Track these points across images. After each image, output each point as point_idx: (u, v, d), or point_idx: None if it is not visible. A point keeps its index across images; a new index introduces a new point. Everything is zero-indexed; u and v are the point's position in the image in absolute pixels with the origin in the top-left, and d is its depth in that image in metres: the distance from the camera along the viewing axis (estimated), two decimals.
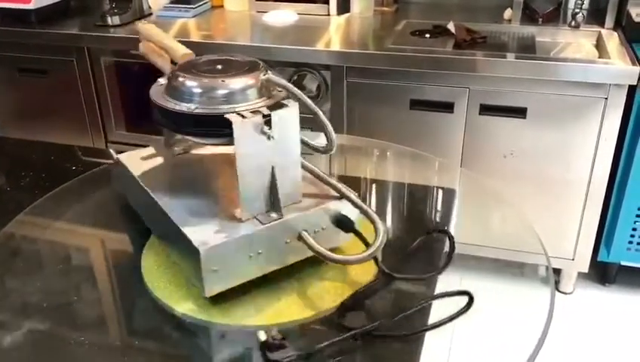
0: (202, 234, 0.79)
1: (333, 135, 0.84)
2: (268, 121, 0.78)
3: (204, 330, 0.81)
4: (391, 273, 0.86)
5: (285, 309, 0.82)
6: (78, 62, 2.32)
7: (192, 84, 0.84)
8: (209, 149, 1.01)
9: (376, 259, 0.84)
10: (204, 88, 0.83)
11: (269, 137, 0.78)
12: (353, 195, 0.85)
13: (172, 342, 0.83)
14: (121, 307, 0.89)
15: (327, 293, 0.85)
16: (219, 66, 0.89)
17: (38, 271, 0.96)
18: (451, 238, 0.96)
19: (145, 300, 0.86)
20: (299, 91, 0.82)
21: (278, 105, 0.81)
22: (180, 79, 0.86)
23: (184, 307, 0.83)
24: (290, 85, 0.83)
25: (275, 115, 0.79)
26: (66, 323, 0.84)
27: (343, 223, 0.86)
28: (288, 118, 0.80)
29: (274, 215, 0.83)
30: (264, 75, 0.85)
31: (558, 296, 2.17)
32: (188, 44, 2.33)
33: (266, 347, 0.72)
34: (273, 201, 0.83)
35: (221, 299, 0.83)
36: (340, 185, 0.87)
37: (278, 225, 0.82)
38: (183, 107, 0.83)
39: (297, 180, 0.85)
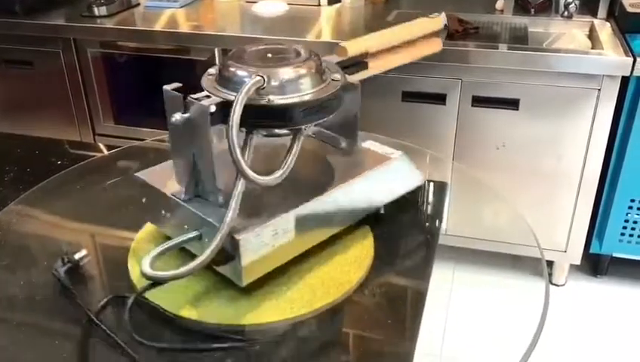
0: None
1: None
2: None
3: (194, 329, 0.79)
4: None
5: (276, 307, 0.81)
6: (65, 53, 2.28)
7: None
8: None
9: None
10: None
11: None
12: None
13: (161, 341, 0.81)
14: (108, 303, 0.87)
15: (319, 291, 0.83)
16: (269, 55, 0.86)
17: (24, 265, 0.94)
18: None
19: (132, 295, 0.84)
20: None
21: None
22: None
23: (172, 305, 0.81)
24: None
25: None
26: (51, 317, 0.83)
27: None
28: None
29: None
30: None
31: (551, 288, 2.16)
32: (177, 36, 2.31)
33: None
34: None
35: (212, 298, 0.82)
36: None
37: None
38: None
39: None
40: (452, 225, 1.11)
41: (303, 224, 0.84)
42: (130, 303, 0.78)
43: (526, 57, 1.85)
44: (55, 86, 2.34)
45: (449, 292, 0.84)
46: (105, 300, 0.83)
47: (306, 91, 0.81)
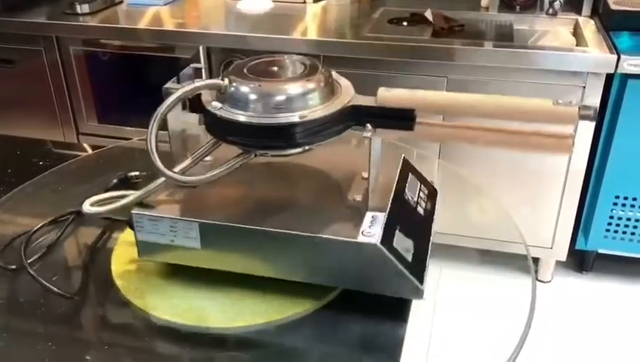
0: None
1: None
2: None
3: (177, 333, 0.78)
4: None
5: (262, 310, 0.80)
6: (47, 51, 2.25)
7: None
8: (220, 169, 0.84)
9: None
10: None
11: None
12: None
13: (142, 344, 0.80)
14: (90, 306, 0.86)
15: (305, 292, 0.82)
16: (273, 68, 0.83)
17: (4, 270, 0.92)
18: None
19: (114, 301, 0.83)
20: None
21: None
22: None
23: (156, 309, 0.80)
24: None
25: None
26: (33, 320, 0.81)
27: None
28: None
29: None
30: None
31: (537, 285, 2.17)
32: (161, 33, 2.29)
33: None
34: None
35: (196, 302, 0.81)
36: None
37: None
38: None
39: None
40: (438, 222, 1.11)
41: (219, 243, 0.80)
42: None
43: (511, 55, 1.85)
44: (37, 85, 2.31)
45: (435, 290, 0.83)
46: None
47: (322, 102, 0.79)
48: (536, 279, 2.19)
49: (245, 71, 0.80)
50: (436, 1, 2.29)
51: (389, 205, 0.80)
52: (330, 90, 0.81)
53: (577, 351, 1.92)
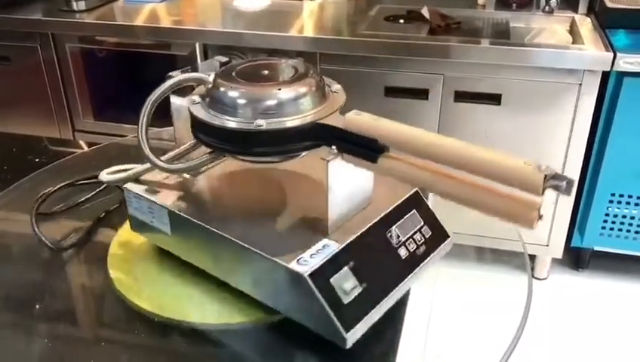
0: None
1: None
2: None
3: (174, 329, 0.78)
4: None
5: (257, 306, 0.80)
6: (43, 48, 2.24)
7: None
8: (226, 165, 0.87)
9: None
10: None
11: None
12: None
13: (138, 339, 0.80)
14: (87, 302, 0.86)
15: None
16: (265, 72, 0.80)
17: (2, 265, 0.92)
18: None
19: (111, 296, 0.83)
20: None
21: None
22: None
23: (151, 304, 0.80)
24: None
25: None
26: (30, 317, 0.81)
27: None
28: None
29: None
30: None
31: (533, 282, 2.17)
32: (157, 31, 2.29)
33: None
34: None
35: (192, 297, 0.81)
36: None
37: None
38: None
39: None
40: None
41: (184, 234, 0.82)
42: None
43: (508, 52, 1.85)
44: (33, 82, 2.30)
45: (432, 287, 0.84)
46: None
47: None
48: (532, 276, 2.19)
49: (234, 71, 0.79)
50: None
51: (351, 238, 0.74)
52: (311, 100, 0.75)
53: (573, 348, 1.92)
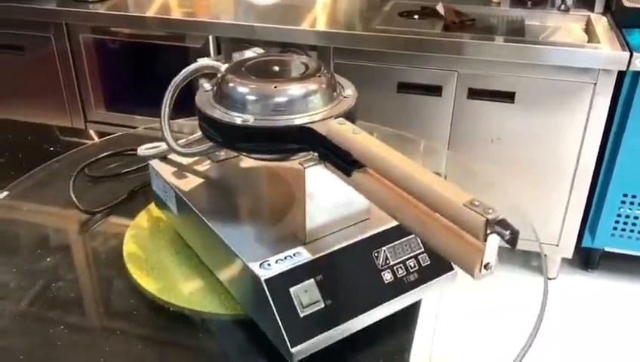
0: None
1: None
2: None
3: (188, 318, 0.78)
4: None
5: None
6: (56, 38, 2.25)
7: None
8: (244, 160, 0.89)
9: None
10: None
11: None
12: None
13: (153, 330, 0.80)
14: (104, 298, 0.86)
15: None
16: (275, 68, 0.78)
17: (16, 253, 0.92)
18: None
19: (126, 287, 0.83)
20: None
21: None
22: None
23: (167, 294, 0.80)
24: None
25: None
26: (44, 306, 0.81)
27: None
28: None
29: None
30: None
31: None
32: (170, 22, 2.28)
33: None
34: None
35: (209, 288, 0.81)
36: None
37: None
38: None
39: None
40: None
41: (185, 217, 0.84)
42: None
43: (522, 50, 1.84)
44: (46, 71, 2.31)
45: (441, 286, 0.83)
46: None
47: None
48: None
49: (246, 65, 0.78)
50: None
51: (327, 251, 0.71)
52: (308, 102, 0.72)
53: (582, 348, 1.91)
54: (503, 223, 0.51)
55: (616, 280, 2.18)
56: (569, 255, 2.12)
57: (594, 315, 2.05)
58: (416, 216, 0.59)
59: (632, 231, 2.04)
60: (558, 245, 2.09)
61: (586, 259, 2.23)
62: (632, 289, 2.14)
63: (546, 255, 2.15)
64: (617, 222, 2.03)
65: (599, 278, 2.20)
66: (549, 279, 2.19)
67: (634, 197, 1.98)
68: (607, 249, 2.13)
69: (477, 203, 0.53)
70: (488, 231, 0.51)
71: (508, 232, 0.51)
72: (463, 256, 0.55)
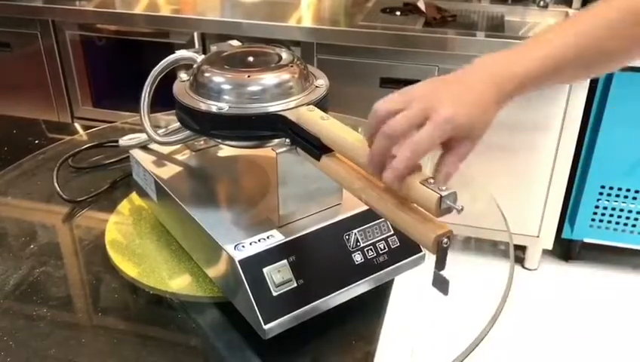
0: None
1: None
2: None
3: (172, 303, 0.81)
4: None
5: None
6: (43, 35, 2.27)
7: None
8: (222, 148, 0.94)
9: None
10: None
11: None
12: None
13: (136, 314, 0.83)
14: (86, 282, 0.89)
15: None
16: (250, 58, 0.81)
17: (1, 241, 0.95)
18: None
19: (108, 273, 0.86)
20: None
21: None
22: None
23: (148, 279, 0.83)
24: None
25: None
26: (28, 289, 0.84)
27: None
28: None
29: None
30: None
31: (523, 273, 2.21)
32: (156, 19, 2.30)
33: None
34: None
35: (188, 272, 0.84)
36: None
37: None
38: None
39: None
40: None
41: (164, 203, 0.88)
42: None
43: (502, 45, 1.88)
44: (33, 69, 2.32)
45: (419, 276, 0.86)
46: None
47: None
48: (523, 267, 2.23)
49: (221, 55, 0.81)
50: None
51: (300, 233, 0.75)
52: (280, 90, 0.76)
53: (562, 338, 1.96)
54: (452, 197, 0.55)
55: (595, 271, 2.23)
56: (549, 246, 2.16)
57: (574, 305, 2.09)
58: (379, 197, 0.62)
59: (609, 222, 2.08)
60: (538, 236, 2.14)
61: (566, 250, 2.27)
62: (611, 280, 2.19)
63: (526, 246, 2.19)
64: (595, 213, 2.08)
65: (579, 269, 2.24)
66: (530, 270, 2.23)
67: (611, 188, 2.03)
68: (586, 240, 2.17)
69: (432, 181, 0.57)
70: (442, 207, 0.55)
71: (460, 206, 0.55)
72: (419, 232, 0.58)
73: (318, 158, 0.69)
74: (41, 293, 0.83)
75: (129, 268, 0.85)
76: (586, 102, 1.91)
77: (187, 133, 0.85)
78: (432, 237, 0.56)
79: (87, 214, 1.00)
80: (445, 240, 0.56)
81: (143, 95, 0.86)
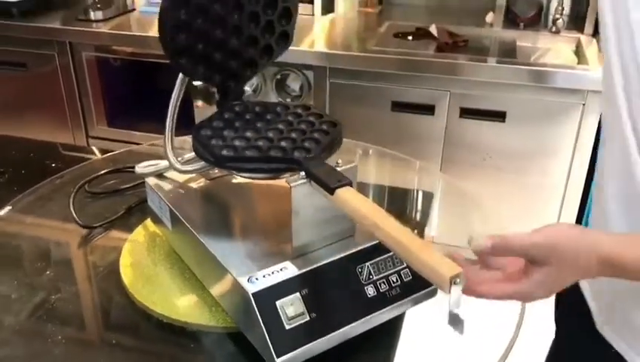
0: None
1: None
2: None
3: (185, 332, 0.82)
4: None
5: None
6: (60, 56, 2.30)
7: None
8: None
9: None
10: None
11: None
12: None
13: (149, 342, 0.84)
14: (100, 308, 0.90)
15: None
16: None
17: (18, 266, 0.96)
18: None
19: (122, 299, 0.87)
20: None
21: None
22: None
23: (161, 307, 0.84)
24: None
25: None
26: (43, 317, 0.85)
27: None
28: None
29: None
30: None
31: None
32: None
33: None
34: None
35: (201, 301, 0.84)
36: None
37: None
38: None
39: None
40: (439, 234, 1.14)
41: (178, 232, 0.89)
42: None
43: (514, 71, 1.89)
44: (49, 88, 2.36)
45: (430, 308, 0.86)
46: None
47: None
48: None
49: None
50: (441, 16, 2.33)
51: (313, 266, 0.75)
52: None
53: None
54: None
55: None
56: None
57: None
58: (391, 234, 0.63)
59: None
60: None
61: None
62: None
63: None
64: None
65: None
66: None
67: None
68: None
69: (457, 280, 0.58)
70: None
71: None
72: (433, 272, 0.59)
73: (331, 192, 0.70)
74: (56, 319, 0.84)
75: (143, 296, 0.86)
76: (598, 127, 1.91)
77: (202, 163, 0.86)
78: (447, 277, 0.57)
79: (102, 240, 1.01)
80: (458, 280, 0.57)
81: (167, 123, 0.87)
